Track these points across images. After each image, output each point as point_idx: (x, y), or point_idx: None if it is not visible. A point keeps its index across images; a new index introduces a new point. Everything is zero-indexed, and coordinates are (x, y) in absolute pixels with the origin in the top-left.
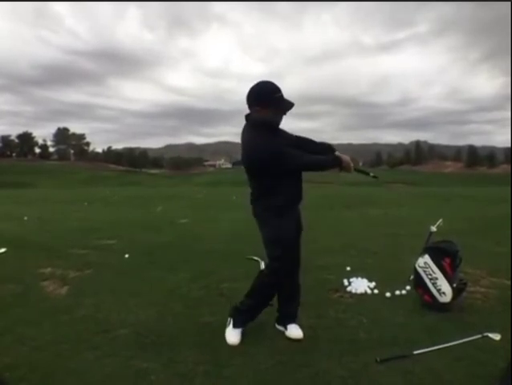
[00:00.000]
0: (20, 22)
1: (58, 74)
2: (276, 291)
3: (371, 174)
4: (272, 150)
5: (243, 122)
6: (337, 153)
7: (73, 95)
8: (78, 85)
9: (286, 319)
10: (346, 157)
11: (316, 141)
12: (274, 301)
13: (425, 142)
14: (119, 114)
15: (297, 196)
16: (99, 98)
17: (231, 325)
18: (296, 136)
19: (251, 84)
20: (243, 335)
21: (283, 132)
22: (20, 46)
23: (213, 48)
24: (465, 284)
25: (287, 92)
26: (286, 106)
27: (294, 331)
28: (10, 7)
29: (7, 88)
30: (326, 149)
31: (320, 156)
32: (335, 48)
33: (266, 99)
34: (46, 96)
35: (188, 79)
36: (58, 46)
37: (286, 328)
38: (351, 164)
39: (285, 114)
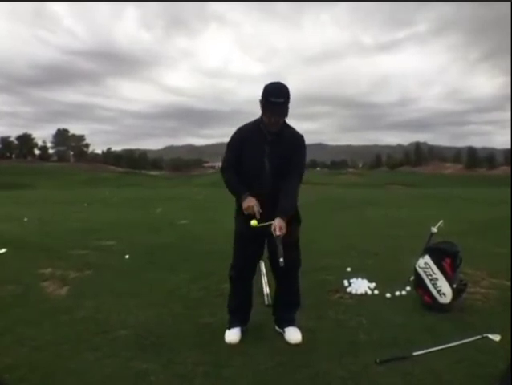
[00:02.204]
0: (18, 22)
1: (56, 75)
2: (244, 288)
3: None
4: (230, 138)
5: (243, 123)
6: (249, 198)
7: (72, 96)
8: (76, 85)
9: (284, 323)
10: (249, 202)
11: (290, 193)
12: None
13: (425, 143)
14: (118, 115)
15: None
16: (97, 98)
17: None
18: (290, 173)
19: (251, 85)
20: (243, 336)
21: (276, 146)
22: (18, 46)
23: (211, 48)
24: (465, 285)
25: None
26: (266, 112)
27: (292, 335)
28: (8, 7)
29: (6, 89)
30: (280, 206)
31: (238, 188)
32: (335, 48)
33: (262, 100)
34: (45, 97)
35: (187, 80)
36: (56, 46)
37: (283, 331)
38: (248, 209)
39: (270, 121)
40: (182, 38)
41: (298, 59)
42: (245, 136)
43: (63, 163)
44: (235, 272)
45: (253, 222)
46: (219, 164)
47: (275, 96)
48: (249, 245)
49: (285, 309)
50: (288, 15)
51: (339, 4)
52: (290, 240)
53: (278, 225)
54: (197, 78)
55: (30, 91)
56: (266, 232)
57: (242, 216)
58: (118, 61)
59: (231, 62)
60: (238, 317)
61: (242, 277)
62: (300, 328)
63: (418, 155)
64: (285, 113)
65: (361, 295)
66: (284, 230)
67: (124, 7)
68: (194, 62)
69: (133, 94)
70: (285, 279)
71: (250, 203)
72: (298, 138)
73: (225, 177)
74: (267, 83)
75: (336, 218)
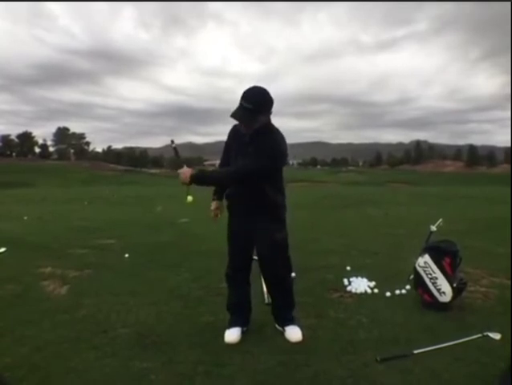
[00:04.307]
0: (15, 22)
1: (55, 74)
2: (240, 290)
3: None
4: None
5: None
6: (212, 204)
7: (71, 94)
8: (75, 84)
9: (284, 322)
10: (211, 207)
11: (222, 172)
12: None
13: (425, 141)
14: (117, 113)
15: (234, 197)
16: (96, 97)
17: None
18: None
19: (249, 84)
20: (243, 335)
21: (250, 142)
22: (17, 45)
23: (210, 47)
24: (464, 283)
25: (286, 92)
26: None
27: (292, 334)
28: (5, 6)
29: (6, 88)
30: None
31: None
32: (334, 46)
33: None
34: (45, 96)
35: (185, 79)
36: (54, 45)
37: (284, 329)
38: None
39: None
40: (180, 38)
41: (296, 58)
42: (234, 135)
43: (64, 161)
44: (229, 270)
45: (190, 198)
46: (219, 162)
47: (244, 100)
48: (239, 242)
49: (281, 310)
50: (286, 14)
51: (337, 2)
52: (275, 243)
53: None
54: (195, 77)
55: (29, 90)
56: (254, 229)
57: (231, 215)
58: (116, 60)
59: (229, 61)
60: (238, 317)
61: (236, 275)
62: (300, 326)
63: (418, 153)
64: (249, 119)
65: (361, 294)
66: (186, 176)
67: (122, 6)
68: (192, 61)
69: (132, 93)
70: (276, 286)
71: (211, 207)
72: (267, 145)
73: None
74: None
75: (336, 216)
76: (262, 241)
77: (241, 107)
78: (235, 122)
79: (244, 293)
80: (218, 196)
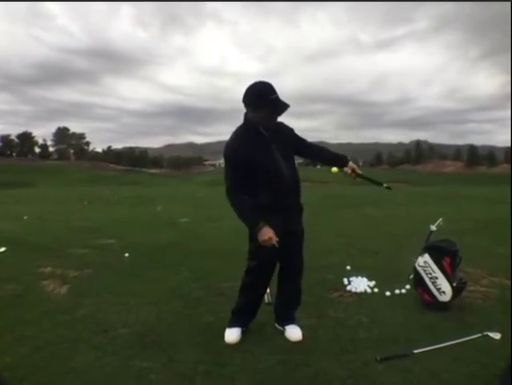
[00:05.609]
0: (14, 21)
1: (54, 73)
2: (260, 290)
3: (385, 184)
4: (227, 151)
5: (242, 121)
6: (265, 228)
7: (70, 94)
8: (74, 84)
9: (284, 321)
10: (268, 234)
11: (331, 151)
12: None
13: (425, 141)
14: (117, 113)
15: (271, 199)
16: (96, 97)
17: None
18: (309, 144)
19: (249, 82)
20: (243, 334)
21: (272, 140)
22: (15, 45)
23: (209, 47)
24: (464, 283)
25: (285, 91)
26: (269, 111)
27: (293, 333)
28: (3, 6)
29: (5, 88)
30: (338, 158)
31: (252, 216)
32: (333, 46)
33: (256, 101)
34: (44, 96)
35: (184, 78)
36: (52, 44)
37: (284, 329)
38: (268, 241)
39: (272, 119)
40: (179, 36)
41: (296, 57)
42: (248, 149)
43: (64, 161)
44: (251, 274)
45: (334, 169)
46: (220, 162)
47: (272, 93)
48: (271, 248)
49: (286, 306)
50: (285, 13)
51: (337, 2)
52: (302, 236)
53: (355, 166)
54: (194, 76)
55: (28, 90)
56: (285, 228)
57: (272, 214)
58: (115, 59)
59: (229, 60)
60: (240, 318)
61: (261, 275)
62: (300, 326)
63: (419, 153)
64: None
65: (361, 293)
66: (269, 235)
67: (120, 5)
68: (191, 60)
69: (131, 92)
70: (293, 278)
71: (269, 234)
72: (281, 122)
73: (233, 202)
74: (249, 86)
75: (336, 216)
76: (293, 227)
77: (274, 101)
78: (235, 123)
79: (256, 303)
80: (262, 220)
